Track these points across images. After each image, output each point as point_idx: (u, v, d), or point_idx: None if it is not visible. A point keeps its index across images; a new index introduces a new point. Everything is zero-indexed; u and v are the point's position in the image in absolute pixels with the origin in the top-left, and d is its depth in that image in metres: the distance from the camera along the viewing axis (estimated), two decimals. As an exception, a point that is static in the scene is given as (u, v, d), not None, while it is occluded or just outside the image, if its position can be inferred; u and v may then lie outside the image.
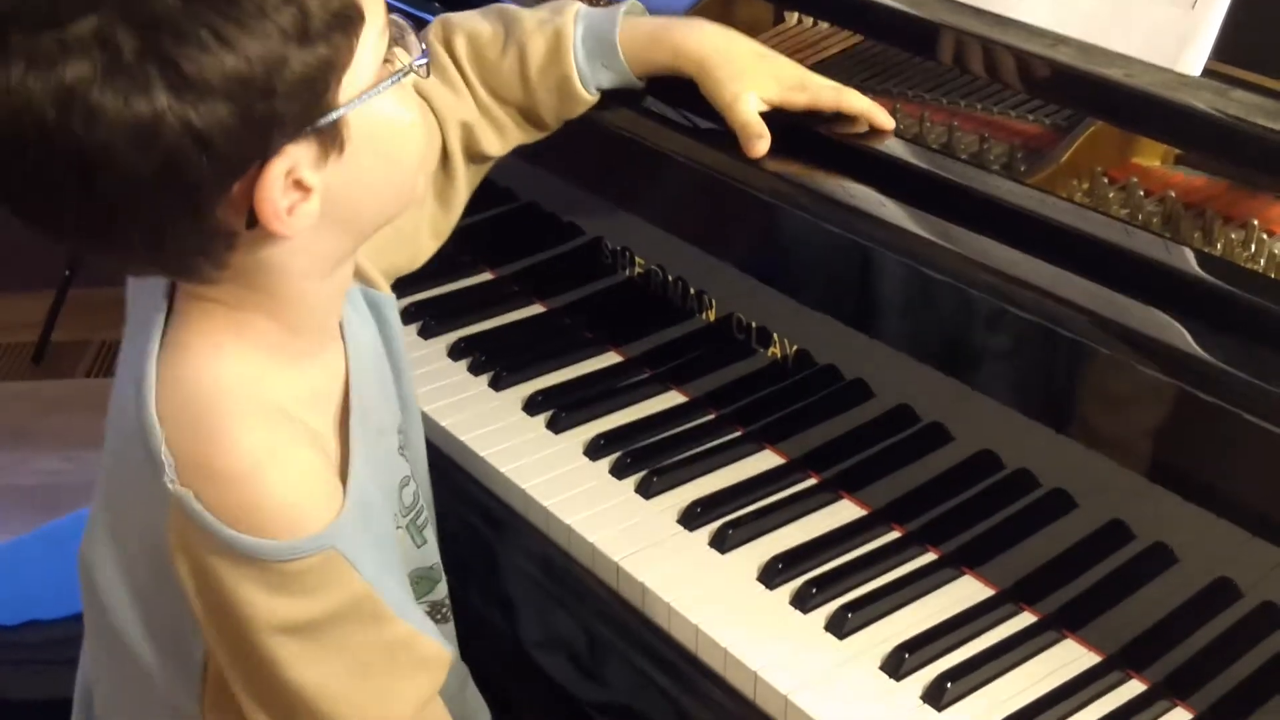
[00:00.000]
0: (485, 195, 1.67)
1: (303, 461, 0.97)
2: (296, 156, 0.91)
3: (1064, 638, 1.20)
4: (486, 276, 1.67)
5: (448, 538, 1.28)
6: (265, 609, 0.95)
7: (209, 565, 0.95)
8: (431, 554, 1.20)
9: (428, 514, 1.20)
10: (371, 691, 1.01)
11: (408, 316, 1.58)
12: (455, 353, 1.53)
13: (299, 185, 0.92)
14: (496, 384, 1.49)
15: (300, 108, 0.90)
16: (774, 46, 1.52)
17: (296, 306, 0.99)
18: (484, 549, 1.43)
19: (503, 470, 1.37)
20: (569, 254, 1.59)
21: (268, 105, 0.88)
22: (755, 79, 1.32)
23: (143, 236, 0.91)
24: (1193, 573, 1.14)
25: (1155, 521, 1.16)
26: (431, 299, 1.62)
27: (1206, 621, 1.13)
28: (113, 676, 1.13)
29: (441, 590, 1.23)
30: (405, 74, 0.97)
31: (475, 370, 1.51)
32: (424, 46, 0.99)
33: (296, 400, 0.99)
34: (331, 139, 0.92)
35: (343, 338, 1.07)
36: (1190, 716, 1.14)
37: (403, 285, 1.62)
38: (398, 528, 1.12)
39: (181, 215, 0.90)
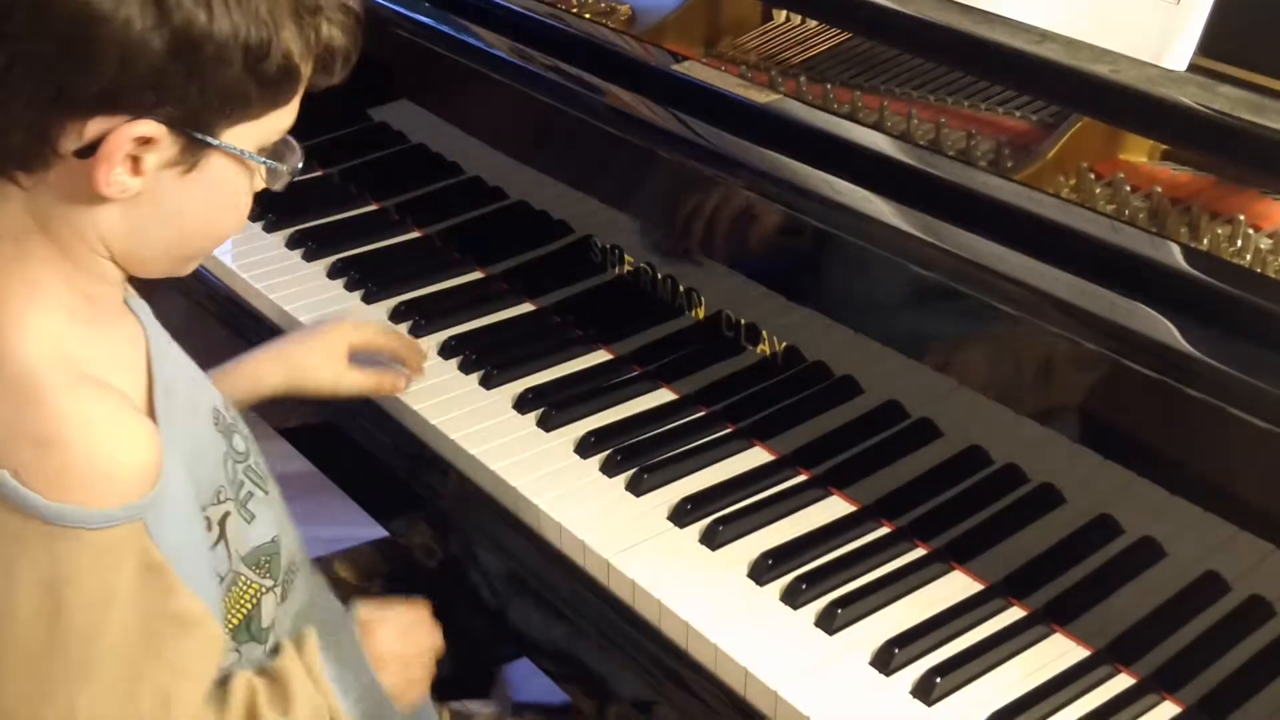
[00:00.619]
0: (475, 193, 1.68)
1: (124, 423, 0.97)
2: (159, 138, 0.95)
3: (1053, 632, 1.20)
4: (476, 275, 1.68)
5: (438, 535, 1.29)
6: (78, 587, 0.94)
7: (16, 551, 0.94)
8: (265, 530, 1.15)
9: (261, 492, 1.16)
10: (162, 665, 1.00)
11: (397, 315, 1.59)
12: (446, 351, 1.54)
13: (135, 163, 0.95)
14: (487, 382, 1.49)
15: (203, 104, 0.95)
16: (762, 44, 1.53)
17: (86, 274, 1.00)
18: (473, 545, 1.43)
19: (493, 468, 1.37)
20: (558, 252, 1.59)
21: (195, 73, 0.93)
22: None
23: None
24: (1181, 567, 1.15)
25: (1143, 516, 1.16)
26: (421, 297, 1.62)
27: (1195, 615, 1.14)
28: None
29: (290, 552, 1.18)
30: (281, 165, 1.02)
31: (466, 369, 1.51)
32: (296, 167, 1.04)
33: (103, 363, 0.99)
34: (191, 155, 0.97)
35: (136, 317, 1.07)
36: (1179, 710, 1.14)
37: (393, 284, 1.63)
38: (219, 502, 1.09)
39: (48, 91, 0.92)
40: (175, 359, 1.10)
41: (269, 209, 1.78)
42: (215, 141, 0.97)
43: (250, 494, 1.14)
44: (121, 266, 1.02)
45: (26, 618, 0.95)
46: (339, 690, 1.15)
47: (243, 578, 1.12)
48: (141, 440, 0.98)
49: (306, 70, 1.00)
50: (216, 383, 1.19)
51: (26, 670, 0.96)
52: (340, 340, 1.41)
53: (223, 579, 1.09)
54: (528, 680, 1.85)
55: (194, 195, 0.99)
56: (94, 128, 0.94)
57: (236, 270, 1.68)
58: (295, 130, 1.04)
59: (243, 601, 1.12)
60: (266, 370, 1.37)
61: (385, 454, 1.50)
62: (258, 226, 1.76)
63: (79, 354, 0.98)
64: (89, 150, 0.94)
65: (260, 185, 1.04)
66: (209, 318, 1.70)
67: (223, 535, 1.09)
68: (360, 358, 1.43)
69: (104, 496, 0.95)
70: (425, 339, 1.56)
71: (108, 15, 0.90)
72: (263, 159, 1.01)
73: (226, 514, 1.09)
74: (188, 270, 1.07)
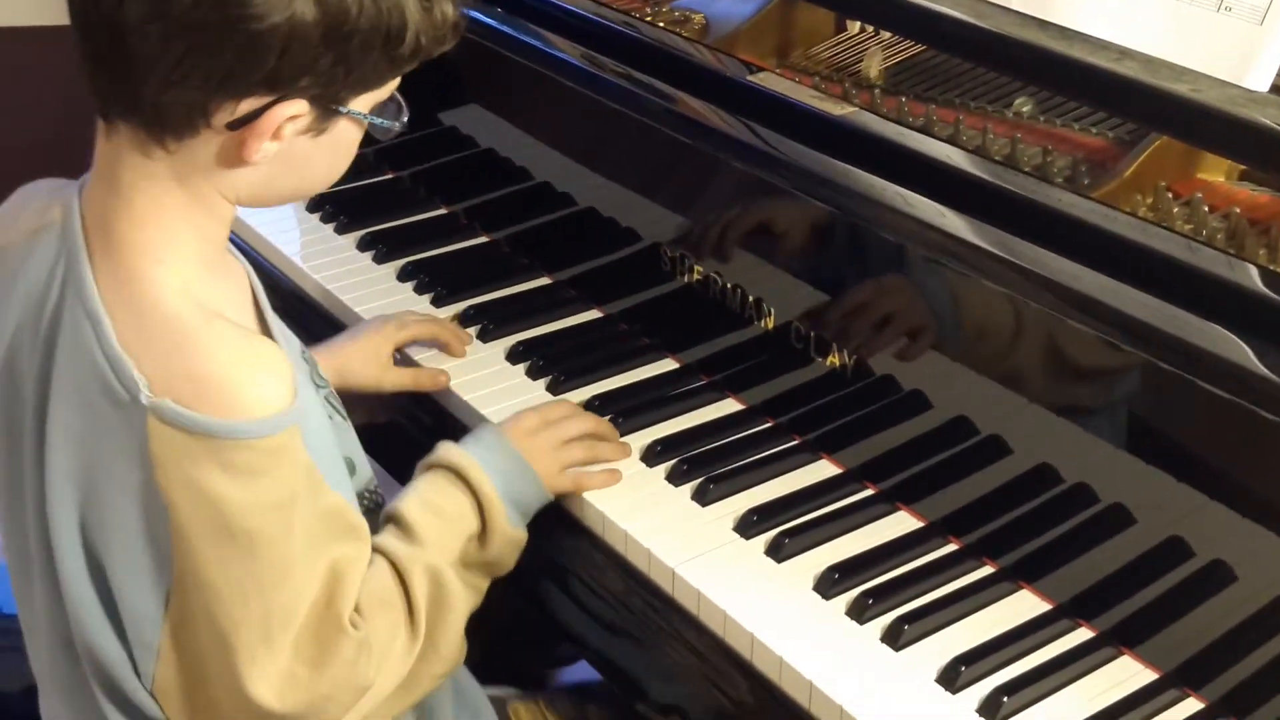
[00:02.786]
0: (544, 199, 1.69)
1: (260, 349, 1.08)
2: (303, 114, 1.05)
3: (1121, 654, 1.19)
4: (544, 280, 1.68)
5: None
6: (250, 493, 1.04)
7: (194, 471, 1.03)
8: (341, 447, 1.23)
9: (340, 418, 1.25)
10: (324, 558, 1.09)
11: (466, 320, 1.59)
12: (514, 357, 1.54)
13: (276, 132, 1.05)
14: (554, 388, 1.49)
15: (345, 84, 1.06)
16: (834, 54, 1.53)
17: (213, 220, 1.10)
18: (537, 550, 1.43)
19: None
20: (627, 259, 1.60)
21: (342, 60, 1.03)
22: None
23: (171, 69, 1.00)
24: (1251, 591, 1.14)
25: (1214, 539, 1.15)
26: (490, 302, 1.63)
27: (1266, 641, 1.13)
28: (61, 689, 1.19)
29: (365, 478, 1.27)
30: (395, 120, 1.14)
31: (533, 374, 1.52)
32: (404, 118, 1.15)
33: (226, 301, 1.10)
34: (324, 121, 1.08)
35: (236, 256, 1.18)
36: (1248, 736, 1.13)
37: (463, 288, 1.64)
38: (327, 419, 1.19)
39: (216, 76, 1.01)
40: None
41: (341, 211, 1.79)
42: (345, 110, 1.08)
43: (331, 417, 1.22)
44: (243, 206, 1.12)
45: (215, 529, 1.04)
46: (487, 471, 1.26)
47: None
48: (276, 359, 1.08)
49: (430, 46, 1.09)
50: None
51: (224, 578, 1.05)
52: (384, 343, 1.49)
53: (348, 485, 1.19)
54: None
55: (321, 153, 1.11)
56: (247, 105, 1.03)
57: (308, 271, 1.69)
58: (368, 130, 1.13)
59: None
60: None
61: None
62: (329, 228, 1.77)
63: (209, 295, 1.08)
64: (239, 124, 1.04)
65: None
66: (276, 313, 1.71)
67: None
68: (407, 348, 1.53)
69: (261, 408, 1.04)
70: (493, 344, 1.56)
71: (279, 8, 0.99)
72: (381, 120, 1.13)
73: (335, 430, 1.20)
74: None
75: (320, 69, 1.03)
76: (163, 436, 1.03)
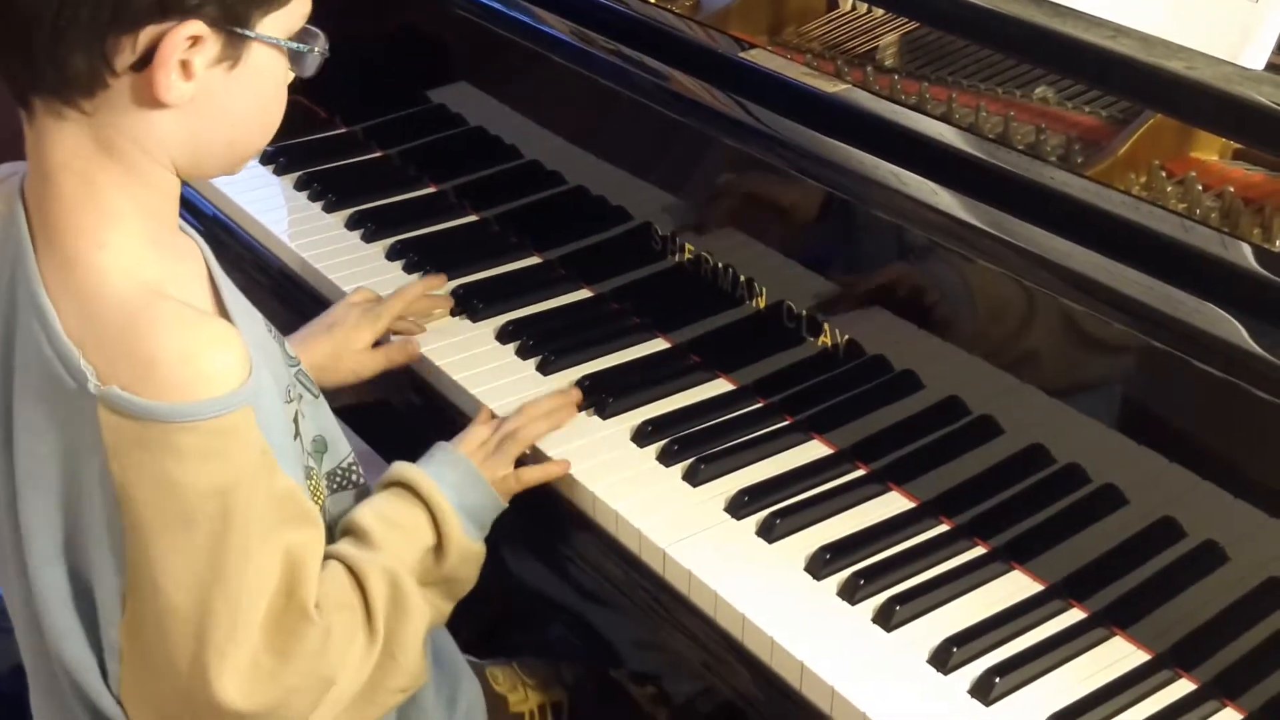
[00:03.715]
0: (533, 177, 1.68)
1: (209, 328, 1.04)
2: (205, 37, 1.01)
3: (1113, 635, 1.19)
4: (534, 260, 1.67)
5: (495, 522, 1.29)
6: (201, 477, 1.01)
7: (145, 458, 1.00)
8: (311, 428, 1.21)
9: (311, 395, 1.23)
10: (278, 543, 1.06)
11: (456, 299, 1.58)
12: (504, 336, 1.53)
13: (185, 68, 1.01)
14: (544, 368, 1.48)
15: (239, 2, 1.02)
16: (827, 32, 1.52)
17: (154, 194, 1.06)
18: (528, 531, 1.43)
19: (549, 454, 1.37)
20: (617, 238, 1.59)
21: None
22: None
23: (57, 13, 0.97)
24: (1244, 571, 1.13)
25: (1207, 519, 1.15)
26: (479, 281, 1.62)
27: (1259, 621, 1.12)
28: (39, 682, 1.17)
29: (339, 456, 1.24)
30: (312, 50, 1.09)
31: (523, 354, 1.51)
32: (325, 50, 1.10)
33: (176, 280, 1.06)
34: (233, 50, 1.03)
35: (189, 233, 1.14)
36: (1241, 717, 1.13)
37: (452, 267, 1.63)
38: (290, 400, 1.16)
39: (105, 11, 0.98)
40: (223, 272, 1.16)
41: (329, 190, 1.78)
42: (253, 34, 1.04)
43: (301, 395, 1.19)
44: (183, 175, 1.08)
45: (169, 517, 1.02)
46: (440, 484, 1.24)
47: (313, 471, 1.19)
48: (226, 337, 1.04)
49: None
50: None
51: (181, 567, 1.02)
52: (358, 338, 1.48)
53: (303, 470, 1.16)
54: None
55: (241, 90, 1.06)
56: (145, 38, 1.00)
57: (296, 249, 1.68)
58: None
59: (314, 494, 1.18)
60: None
61: (441, 437, 1.50)
62: (317, 206, 1.76)
63: (155, 275, 1.04)
64: (144, 62, 1.00)
65: (290, 76, 1.10)
66: (262, 291, 1.70)
67: (298, 431, 1.16)
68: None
69: (208, 389, 1.01)
70: (483, 323, 1.56)
71: None
72: (297, 45, 1.08)
73: (298, 412, 1.17)
74: (240, 169, 1.13)
75: None
76: (112, 425, 1.00)
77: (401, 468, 1.26)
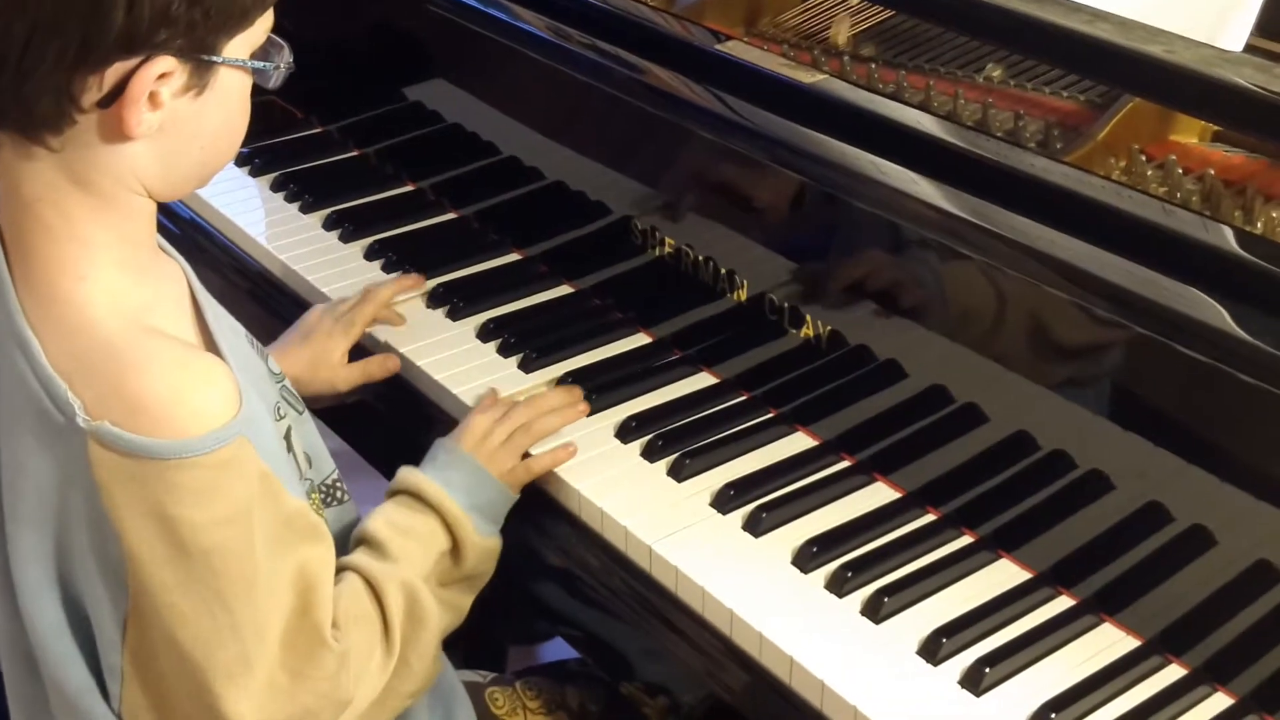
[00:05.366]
0: (512, 173, 1.67)
1: (198, 363, 1.03)
2: (172, 71, 0.99)
3: (1102, 622, 1.19)
4: (514, 257, 1.66)
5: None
6: (202, 512, 1.00)
7: (141, 495, 0.99)
8: (300, 442, 1.20)
9: (295, 412, 1.22)
10: (290, 563, 1.06)
11: (435, 299, 1.58)
12: (484, 334, 1.52)
13: (153, 98, 1.00)
14: (526, 366, 1.48)
15: (207, 28, 1.00)
16: (803, 21, 1.51)
17: (129, 221, 1.05)
18: (511, 529, 1.42)
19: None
20: (597, 233, 1.58)
21: (196, 9, 0.98)
22: None
23: (21, 54, 0.96)
24: (1231, 555, 1.13)
25: (1194, 504, 1.14)
26: (459, 280, 1.61)
27: (1246, 605, 1.12)
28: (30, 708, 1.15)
29: (324, 473, 1.24)
30: (277, 66, 1.07)
31: (505, 352, 1.50)
32: (288, 57, 1.09)
33: (159, 307, 1.06)
34: (200, 77, 1.02)
35: (170, 254, 1.13)
36: (1231, 702, 1.12)
37: (431, 265, 1.62)
38: (280, 418, 1.16)
39: (70, 51, 0.96)
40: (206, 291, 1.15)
41: (306, 190, 1.77)
42: (220, 59, 1.02)
43: (287, 413, 1.19)
44: (156, 197, 1.06)
45: (170, 553, 1.00)
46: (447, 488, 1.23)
47: (310, 483, 1.19)
48: (216, 372, 1.03)
49: None
50: None
51: (186, 600, 1.01)
52: (334, 348, 1.46)
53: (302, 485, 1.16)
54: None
55: (209, 112, 1.04)
56: (111, 75, 0.98)
57: (274, 252, 1.67)
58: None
59: (315, 509, 1.17)
60: None
61: (423, 438, 1.49)
62: (294, 208, 1.75)
63: (137, 305, 1.04)
64: (110, 99, 0.99)
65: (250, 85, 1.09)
66: (240, 294, 1.69)
67: (290, 448, 1.16)
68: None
69: (202, 424, 1.00)
70: (463, 322, 1.55)
71: None
72: (263, 64, 1.06)
73: (289, 428, 1.16)
74: (208, 183, 1.11)
75: (175, 17, 0.97)
76: (104, 461, 0.99)
77: (408, 474, 1.26)
